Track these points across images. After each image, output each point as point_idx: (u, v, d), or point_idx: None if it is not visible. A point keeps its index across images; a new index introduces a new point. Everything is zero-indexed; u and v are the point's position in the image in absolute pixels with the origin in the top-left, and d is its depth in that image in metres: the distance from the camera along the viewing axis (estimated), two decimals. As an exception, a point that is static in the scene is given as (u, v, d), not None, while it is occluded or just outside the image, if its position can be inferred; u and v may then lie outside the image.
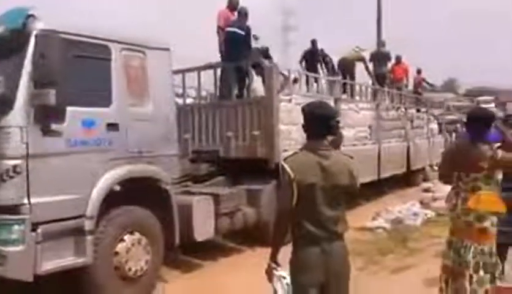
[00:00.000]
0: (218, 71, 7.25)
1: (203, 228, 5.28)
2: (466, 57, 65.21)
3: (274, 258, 2.53)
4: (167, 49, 5.01)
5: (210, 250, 5.85)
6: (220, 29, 7.19)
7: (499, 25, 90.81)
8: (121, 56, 4.47)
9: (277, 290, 2.47)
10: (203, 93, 7.86)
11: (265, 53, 7.78)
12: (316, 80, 8.48)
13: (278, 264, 2.52)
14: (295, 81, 7.89)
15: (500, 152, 3.34)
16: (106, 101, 4.33)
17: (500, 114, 12.01)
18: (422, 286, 4.38)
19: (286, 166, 2.43)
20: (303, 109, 2.59)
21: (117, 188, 4.33)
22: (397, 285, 4.69)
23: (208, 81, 7.37)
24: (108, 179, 4.25)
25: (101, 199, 4.18)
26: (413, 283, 4.60)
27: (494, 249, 3.31)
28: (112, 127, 4.32)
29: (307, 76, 8.19)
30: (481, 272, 3.25)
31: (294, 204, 2.41)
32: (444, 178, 3.80)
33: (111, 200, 4.28)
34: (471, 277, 3.26)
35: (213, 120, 6.74)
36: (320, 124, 2.50)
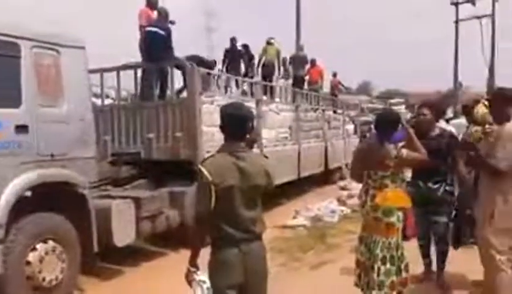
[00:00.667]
0: (139, 71, 7.07)
1: (123, 233, 5.10)
2: (380, 62, 69.75)
3: (193, 262, 2.51)
4: (82, 48, 4.79)
5: (131, 255, 5.68)
6: (142, 28, 7.03)
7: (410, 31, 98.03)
8: (32, 54, 4.20)
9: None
10: (123, 93, 7.62)
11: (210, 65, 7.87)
12: (237, 82, 8.61)
13: (197, 268, 2.51)
14: (217, 82, 7.94)
15: (404, 151, 3.65)
16: (15, 101, 4.05)
17: (408, 115, 12.98)
18: (339, 280, 4.59)
19: (203, 169, 2.42)
20: (221, 111, 2.60)
21: (28, 194, 4.08)
22: (316, 280, 4.90)
23: (128, 82, 7.15)
24: (17, 184, 3.98)
25: (11, 206, 3.91)
26: (331, 278, 4.81)
27: (400, 242, 3.59)
28: (21, 129, 4.04)
29: (228, 78, 8.28)
30: (388, 265, 3.54)
31: (212, 207, 2.40)
32: (355, 176, 4.07)
33: (21, 207, 4.02)
34: (379, 269, 3.53)
35: (134, 122, 6.56)
36: (238, 125, 2.52)
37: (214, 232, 2.48)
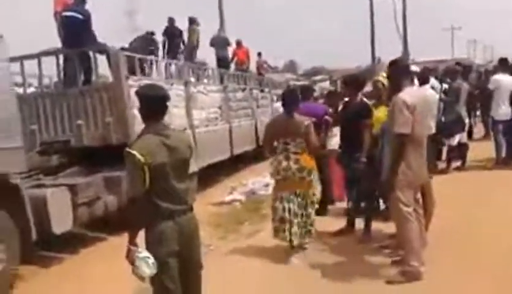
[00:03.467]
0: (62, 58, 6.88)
1: (61, 220, 5.10)
2: (304, 42, 71.46)
3: (133, 241, 2.61)
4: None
5: (70, 242, 5.68)
6: (57, 14, 6.82)
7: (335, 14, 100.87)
8: None
9: (144, 271, 2.55)
10: (46, 81, 7.40)
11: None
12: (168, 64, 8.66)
13: (138, 246, 2.61)
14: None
15: (312, 129, 4.56)
16: None
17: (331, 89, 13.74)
18: (273, 242, 4.97)
19: (134, 151, 2.54)
20: (137, 93, 2.75)
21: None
22: (253, 246, 5.24)
23: (51, 68, 6.95)
24: None
25: None
26: (265, 242, 5.18)
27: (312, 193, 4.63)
28: None
29: (156, 61, 8.31)
30: (309, 209, 4.62)
31: (146, 186, 2.55)
32: (268, 146, 4.84)
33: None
34: (302, 214, 4.57)
35: (60, 109, 6.42)
36: (158, 105, 2.69)
37: (150, 208, 2.63)
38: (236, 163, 10.42)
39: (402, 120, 3.77)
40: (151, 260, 2.57)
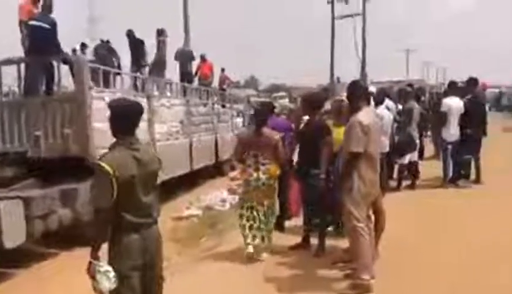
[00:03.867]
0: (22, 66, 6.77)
1: (13, 234, 4.98)
2: (264, 59, 72.48)
3: (95, 254, 2.62)
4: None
5: (22, 258, 5.52)
6: (22, 22, 6.73)
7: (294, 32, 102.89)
8: None
9: (105, 286, 2.55)
10: (4, 89, 7.22)
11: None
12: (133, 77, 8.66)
13: (99, 260, 2.61)
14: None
15: (280, 144, 5.04)
16: None
17: (291, 106, 14.05)
18: (229, 257, 5.09)
19: (104, 164, 2.58)
20: (110, 106, 2.76)
21: None
22: (209, 262, 5.26)
23: (11, 77, 6.82)
24: None
25: None
26: (222, 257, 5.27)
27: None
28: None
29: (119, 73, 8.29)
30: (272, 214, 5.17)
31: (114, 199, 2.58)
32: (238, 157, 5.25)
33: None
34: (268, 219, 5.10)
35: (18, 119, 6.31)
36: (130, 120, 2.74)
37: (115, 221, 2.65)
38: (193, 178, 10.42)
39: (356, 140, 3.99)
40: (112, 274, 2.58)
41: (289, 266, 4.89)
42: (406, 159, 8.13)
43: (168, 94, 9.89)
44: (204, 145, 10.91)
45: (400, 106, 8.49)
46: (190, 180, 10.15)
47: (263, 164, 4.97)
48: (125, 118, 2.71)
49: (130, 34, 10.34)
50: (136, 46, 10.26)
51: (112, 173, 2.55)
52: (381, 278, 4.13)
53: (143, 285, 2.75)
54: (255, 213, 5.01)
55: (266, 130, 5.08)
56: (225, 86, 15.99)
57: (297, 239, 5.42)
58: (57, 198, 5.84)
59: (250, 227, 5.00)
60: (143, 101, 8.01)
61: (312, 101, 5.40)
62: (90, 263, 2.61)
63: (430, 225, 6.00)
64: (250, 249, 4.96)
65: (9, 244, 4.91)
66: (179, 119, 9.71)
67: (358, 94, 4.27)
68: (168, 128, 9.08)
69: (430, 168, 9.21)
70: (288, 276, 4.65)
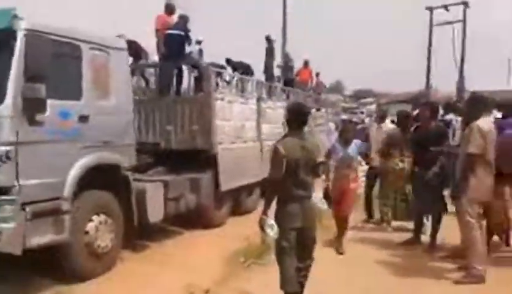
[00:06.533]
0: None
1: (155, 211, 5.83)
2: (351, 63, 71.61)
3: (266, 212, 3.51)
4: (124, 49, 5.54)
5: (154, 233, 6.41)
6: (158, 31, 7.74)
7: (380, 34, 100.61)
8: (89, 54, 4.92)
9: (268, 233, 3.41)
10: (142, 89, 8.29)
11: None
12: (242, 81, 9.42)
13: (267, 216, 3.47)
14: (228, 82, 8.73)
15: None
16: (77, 95, 4.77)
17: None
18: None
19: (279, 146, 3.43)
20: (287, 108, 3.71)
21: (87, 173, 4.80)
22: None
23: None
24: (80, 165, 4.71)
25: (76, 183, 4.63)
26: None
27: None
28: (83, 118, 4.77)
29: (233, 77, 9.10)
30: None
31: (283, 173, 3.39)
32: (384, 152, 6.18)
33: (81, 184, 4.74)
34: None
35: (153, 115, 7.26)
36: (304, 118, 3.61)
37: (283, 192, 3.47)
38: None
39: (475, 143, 4.30)
40: (276, 228, 3.42)
41: (402, 258, 5.32)
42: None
43: (274, 97, 10.52)
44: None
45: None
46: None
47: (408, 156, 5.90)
48: (299, 117, 3.59)
49: (268, 41, 11.11)
50: (271, 52, 10.98)
51: (284, 154, 3.37)
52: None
53: (301, 241, 3.53)
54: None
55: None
56: (319, 91, 16.34)
57: (404, 236, 5.76)
58: (187, 184, 6.65)
59: None
60: (254, 103, 8.76)
61: (433, 109, 5.82)
62: (261, 218, 3.47)
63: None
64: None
65: (152, 219, 5.77)
66: (281, 120, 10.28)
67: (479, 106, 4.59)
68: (273, 128, 9.70)
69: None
70: (403, 267, 5.06)
